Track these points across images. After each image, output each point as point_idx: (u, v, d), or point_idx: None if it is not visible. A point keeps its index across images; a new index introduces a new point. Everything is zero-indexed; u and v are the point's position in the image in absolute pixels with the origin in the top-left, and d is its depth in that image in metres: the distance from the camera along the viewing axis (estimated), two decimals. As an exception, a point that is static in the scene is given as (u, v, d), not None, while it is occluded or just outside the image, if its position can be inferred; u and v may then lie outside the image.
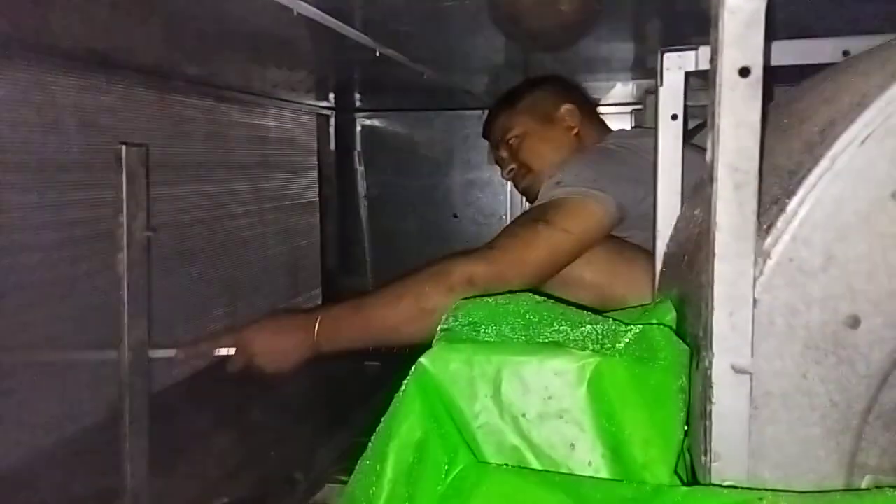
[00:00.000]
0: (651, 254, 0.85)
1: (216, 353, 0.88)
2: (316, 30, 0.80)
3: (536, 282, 0.91)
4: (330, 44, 0.93)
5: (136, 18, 0.76)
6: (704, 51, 0.72)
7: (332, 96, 1.59)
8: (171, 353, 0.87)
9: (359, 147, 1.75)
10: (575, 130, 1.14)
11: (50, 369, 0.94)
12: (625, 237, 0.99)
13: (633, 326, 0.52)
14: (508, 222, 1.71)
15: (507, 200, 1.71)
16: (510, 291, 0.85)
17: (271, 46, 0.95)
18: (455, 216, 1.73)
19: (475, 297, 0.58)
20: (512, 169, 1.19)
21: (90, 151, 0.97)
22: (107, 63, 1.00)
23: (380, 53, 0.95)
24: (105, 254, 0.93)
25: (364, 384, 1.39)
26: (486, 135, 1.27)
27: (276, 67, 1.13)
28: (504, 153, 1.20)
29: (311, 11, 0.74)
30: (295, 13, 0.72)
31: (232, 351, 0.88)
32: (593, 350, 0.49)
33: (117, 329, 0.74)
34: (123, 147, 0.72)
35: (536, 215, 0.93)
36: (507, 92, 1.21)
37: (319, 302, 1.71)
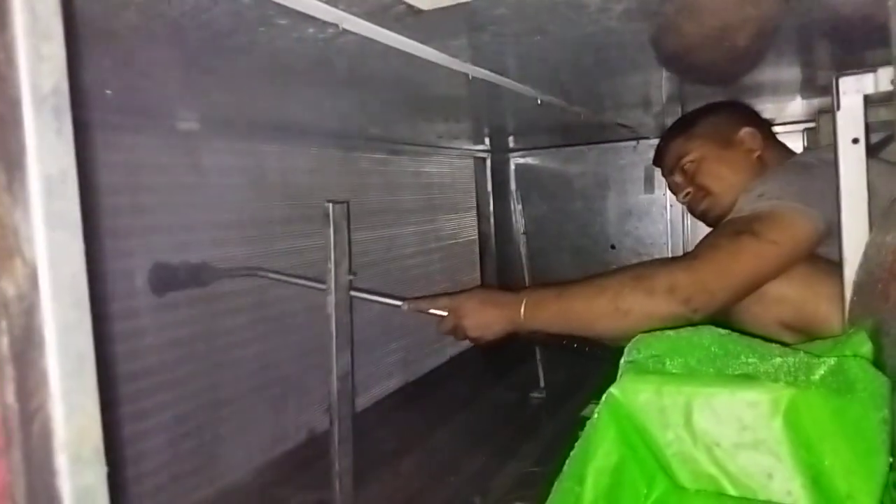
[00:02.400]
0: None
1: (431, 312, 0.97)
2: (483, 86, 0.88)
3: (740, 295, 0.89)
4: (495, 97, 1.01)
5: (330, 90, 0.88)
6: (884, 72, 0.70)
7: (487, 140, 1.68)
8: (397, 303, 0.98)
9: (514, 185, 1.83)
10: (757, 153, 1.10)
11: (263, 398, 1.09)
12: (823, 254, 0.93)
13: (827, 359, 0.52)
14: (669, 250, 1.69)
15: (667, 228, 1.69)
16: (703, 308, 0.87)
17: (443, 104, 1.05)
18: (613, 247, 1.74)
19: (660, 328, 0.61)
20: (688, 193, 1.16)
21: (289, 207, 1.13)
22: (300, 130, 1.15)
23: (541, 101, 1.01)
24: (303, 294, 1.07)
25: (529, 416, 1.44)
26: (657, 161, 1.24)
27: (443, 121, 1.23)
28: (679, 178, 1.18)
29: (484, 73, 0.82)
30: (470, 77, 0.80)
31: (445, 313, 0.97)
32: (787, 382, 0.50)
33: (327, 361, 0.85)
34: (330, 205, 0.84)
35: (741, 227, 0.90)
36: (682, 118, 1.20)
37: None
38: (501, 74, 0.85)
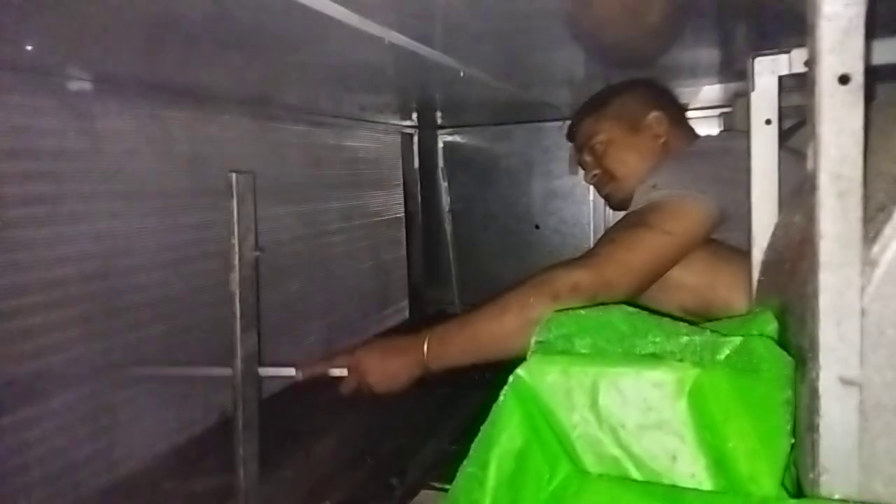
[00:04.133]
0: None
1: (330, 373, 0.93)
2: (403, 55, 0.84)
3: (642, 286, 0.90)
4: (416, 67, 0.97)
5: (239, 56, 0.82)
6: (798, 53, 0.70)
7: (415, 115, 1.64)
8: (289, 371, 0.92)
9: (441, 163, 1.79)
10: (662, 139, 1.12)
11: (167, 380, 1.03)
12: (722, 239, 0.96)
13: (733, 338, 0.52)
14: (591, 231, 1.71)
15: (589, 210, 1.70)
16: (610, 302, 0.85)
17: (361, 73, 1.00)
18: (537, 227, 1.74)
19: (572, 308, 0.60)
20: (595, 174, 1.19)
21: (198, 179, 1.06)
22: (213, 97, 1.08)
23: (464, 73, 0.98)
24: (213, 271, 1.01)
25: (451, 393, 1.42)
26: (570, 137, 1.26)
27: (365, 91, 1.18)
28: (588, 157, 1.19)
29: (401, 39, 0.77)
30: (386, 42, 0.76)
31: (345, 372, 0.92)
32: (692, 362, 0.49)
33: (230, 343, 0.80)
34: (234, 175, 0.78)
35: (635, 220, 0.91)
36: (594, 96, 1.20)
37: (406, 314, 1.76)
38: (421, 42, 0.82)
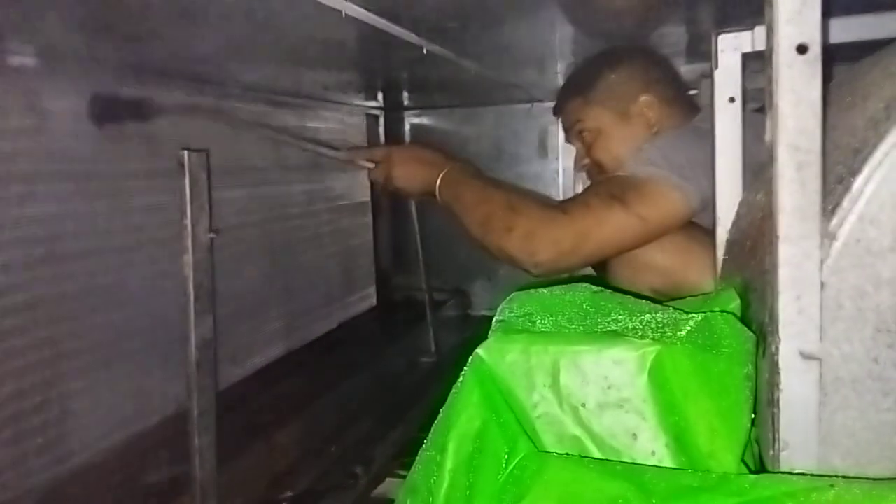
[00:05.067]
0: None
1: (360, 163, 1.07)
2: (363, 30, 0.82)
3: (590, 261, 0.92)
4: (377, 43, 0.94)
5: (189, 28, 0.79)
6: (761, 31, 0.69)
7: (380, 96, 1.61)
8: (332, 152, 1.07)
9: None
10: (654, 128, 1.04)
11: (120, 369, 0.99)
12: (700, 220, 0.92)
13: (694, 315, 0.51)
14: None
15: (559, 193, 1.69)
16: (566, 264, 0.90)
17: (320, 49, 0.97)
18: (506, 211, 1.72)
19: (527, 287, 0.58)
20: (585, 164, 1.13)
21: (152, 158, 1.02)
22: (164, 74, 1.04)
23: (427, 51, 0.95)
24: (168, 256, 0.97)
25: (419, 380, 1.41)
26: (556, 113, 1.18)
27: (326, 69, 1.15)
28: (577, 143, 1.13)
29: (359, 12, 0.75)
30: (343, 14, 0.73)
31: (371, 165, 1.06)
32: (653, 339, 0.48)
33: (183, 329, 0.77)
34: (185, 152, 0.75)
35: (616, 191, 0.89)
36: (580, 71, 1.12)
37: (374, 301, 1.73)
38: (381, 16, 0.79)
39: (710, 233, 0.90)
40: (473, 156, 1.70)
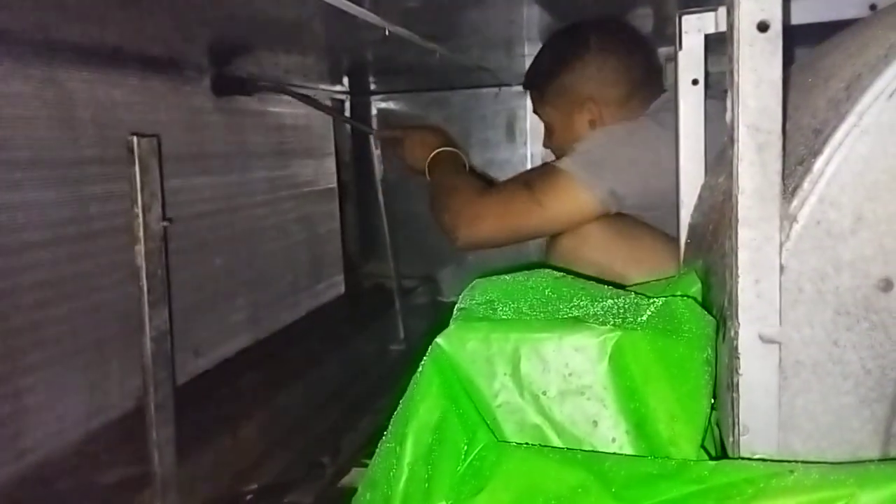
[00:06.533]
0: (661, 232, 0.91)
1: (388, 133, 1.31)
2: (323, 10, 0.79)
3: (503, 242, 1.03)
4: (338, 24, 0.92)
5: (145, 9, 0.75)
6: (724, 11, 0.69)
7: (346, 80, 1.58)
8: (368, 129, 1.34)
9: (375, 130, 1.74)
10: (603, 124, 1.07)
11: (76, 363, 0.96)
12: (650, 217, 0.96)
13: (655, 299, 0.51)
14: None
15: (526, 178, 1.68)
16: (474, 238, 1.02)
17: (280, 31, 0.94)
18: (475, 196, 1.71)
19: (489, 274, 0.57)
20: (549, 147, 1.20)
21: (104, 145, 0.98)
22: (118, 55, 1.00)
23: (389, 32, 0.93)
24: (124, 246, 0.94)
25: (388, 368, 1.40)
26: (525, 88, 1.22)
27: (286, 52, 1.12)
28: (544, 128, 1.19)
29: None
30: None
31: (397, 136, 1.25)
32: (614, 324, 0.47)
33: (139, 320, 0.75)
34: (135, 138, 0.72)
35: (531, 178, 1.00)
36: (541, 60, 1.14)
37: (342, 289, 1.71)
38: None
39: (642, 226, 0.95)
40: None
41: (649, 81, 1.11)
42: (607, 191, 0.92)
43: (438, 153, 1.16)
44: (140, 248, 0.72)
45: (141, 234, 0.72)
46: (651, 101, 1.07)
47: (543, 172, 0.98)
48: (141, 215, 0.72)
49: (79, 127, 0.96)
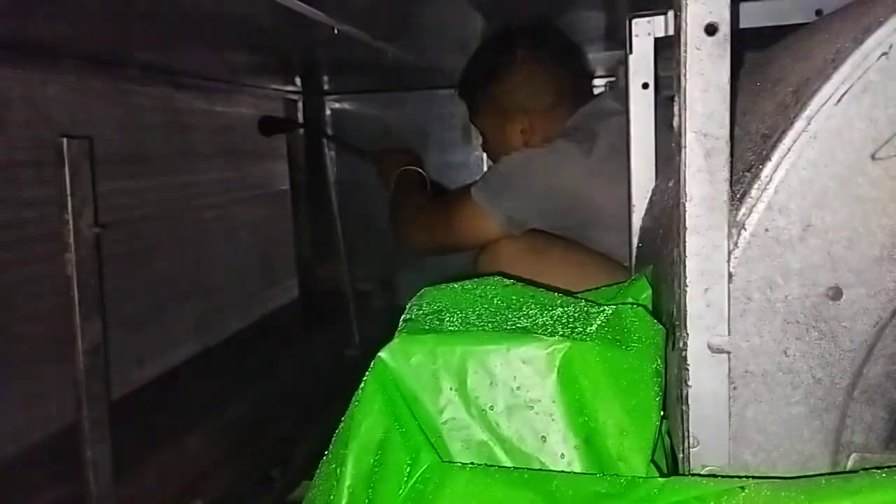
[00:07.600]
0: (577, 245, 1.02)
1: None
2: (269, 6, 0.76)
3: (437, 248, 1.16)
4: (286, 22, 0.88)
5: (81, 3, 0.71)
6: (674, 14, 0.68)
7: (298, 80, 1.54)
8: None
9: (329, 131, 1.70)
10: (530, 135, 1.13)
11: (9, 376, 0.90)
12: (584, 237, 1.03)
13: (605, 307, 0.49)
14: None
15: (483, 180, 1.67)
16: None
17: (225, 27, 0.90)
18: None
19: (440, 282, 0.55)
20: (486, 152, 1.30)
21: (36, 147, 0.92)
22: (53, 52, 0.95)
23: (338, 31, 0.90)
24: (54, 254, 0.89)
25: (342, 374, 1.36)
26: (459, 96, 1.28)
27: (234, 49, 1.08)
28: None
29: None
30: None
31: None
32: (563, 335, 0.46)
33: (70, 333, 0.70)
34: (65, 140, 0.68)
35: (451, 201, 1.12)
36: (471, 71, 1.18)
37: (296, 293, 1.67)
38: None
39: (555, 241, 1.02)
40: (396, 141, 1.66)
41: (578, 87, 1.17)
42: (504, 216, 1.02)
43: (405, 170, 1.31)
44: (71, 256, 0.68)
45: (71, 241, 0.67)
46: (580, 106, 1.10)
47: (459, 197, 1.09)
48: (71, 221, 0.67)
49: (8, 127, 0.91)
